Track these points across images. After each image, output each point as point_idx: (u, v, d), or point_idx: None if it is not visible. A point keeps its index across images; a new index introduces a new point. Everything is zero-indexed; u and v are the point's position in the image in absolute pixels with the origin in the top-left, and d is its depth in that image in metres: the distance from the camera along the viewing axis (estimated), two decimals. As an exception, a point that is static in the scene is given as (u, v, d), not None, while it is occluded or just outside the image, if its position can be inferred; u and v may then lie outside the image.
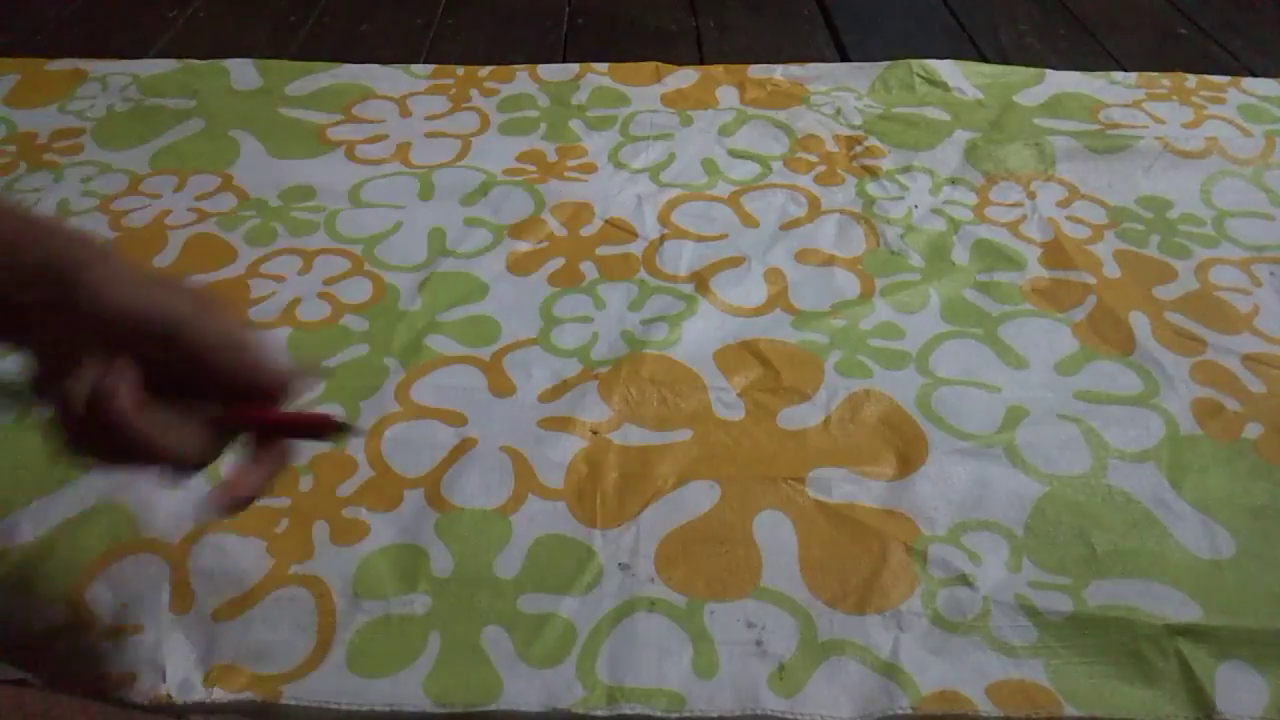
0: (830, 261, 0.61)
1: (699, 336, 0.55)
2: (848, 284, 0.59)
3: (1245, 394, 0.52)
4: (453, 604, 0.41)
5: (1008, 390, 0.52)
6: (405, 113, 0.77)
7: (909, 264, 0.61)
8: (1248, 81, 0.82)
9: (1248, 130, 0.75)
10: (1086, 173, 0.70)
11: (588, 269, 0.60)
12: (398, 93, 0.79)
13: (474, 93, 0.79)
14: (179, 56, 0.84)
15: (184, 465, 0.32)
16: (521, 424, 0.49)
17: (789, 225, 0.65)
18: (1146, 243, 0.63)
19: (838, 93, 0.80)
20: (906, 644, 0.40)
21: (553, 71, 0.83)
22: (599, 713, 0.38)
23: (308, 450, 0.48)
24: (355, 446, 0.48)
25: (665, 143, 0.73)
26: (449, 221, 0.64)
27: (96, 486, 0.45)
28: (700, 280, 0.59)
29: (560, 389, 0.52)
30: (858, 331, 0.56)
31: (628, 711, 0.38)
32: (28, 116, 0.75)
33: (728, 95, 0.80)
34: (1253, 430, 0.50)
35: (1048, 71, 0.83)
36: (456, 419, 0.50)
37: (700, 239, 0.63)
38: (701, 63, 0.86)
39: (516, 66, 0.83)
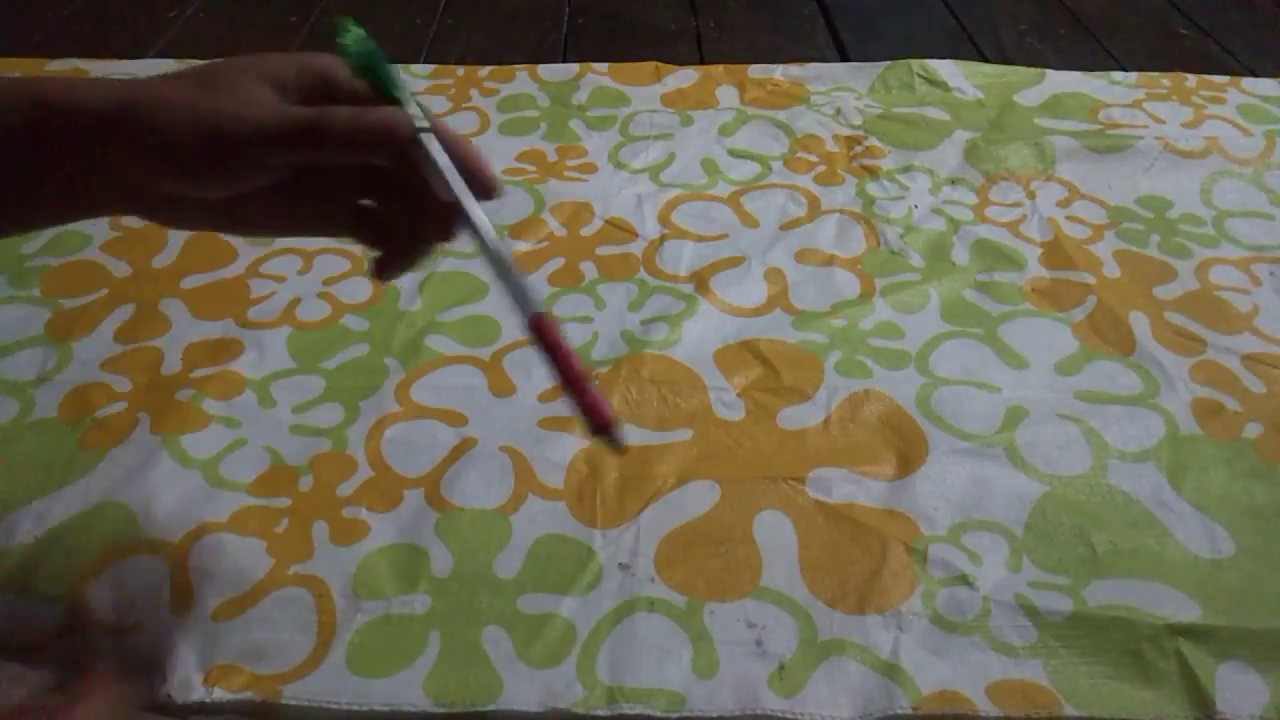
0: (830, 261, 0.61)
1: (699, 336, 0.55)
2: (848, 284, 0.59)
3: (1245, 394, 0.52)
4: (453, 604, 0.41)
5: (1008, 390, 0.52)
6: (405, 113, 0.77)
7: (909, 264, 0.61)
8: (1248, 81, 0.82)
9: (1248, 130, 0.75)
10: (1086, 173, 0.70)
11: (588, 269, 0.60)
12: (398, 93, 0.79)
13: (474, 93, 0.79)
14: (178, 57, 0.84)
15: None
16: (521, 424, 0.49)
17: (789, 225, 0.65)
18: (1146, 242, 0.63)
19: (838, 93, 0.80)
20: (906, 644, 0.40)
21: (553, 71, 0.83)
22: (599, 713, 0.38)
23: (307, 450, 0.48)
24: (355, 447, 0.48)
25: (665, 143, 0.73)
26: (449, 221, 0.64)
27: (96, 486, 0.46)
28: (700, 280, 0.59)
29: (561, 389, 0.52)
30: (858, 331, 0.56)
31: (628, 711, 0.38)
32: (28, 116, 0.75)
33: (728, 95, 0.80)
34: (1253, 430, 0.50)
35: (1048, 71, 0.83)
36: (456, 419, 0.50)
37: (700, 239, 0.63)
38: (701, 63, 0.86)
39: (516, 66, 0.83)
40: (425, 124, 0.32)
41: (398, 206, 0.36)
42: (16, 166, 0.31)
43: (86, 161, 0.31)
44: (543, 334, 0.32)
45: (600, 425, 0.31)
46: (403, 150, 0.32)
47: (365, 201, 0.36)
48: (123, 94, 0.30)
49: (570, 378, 0.32)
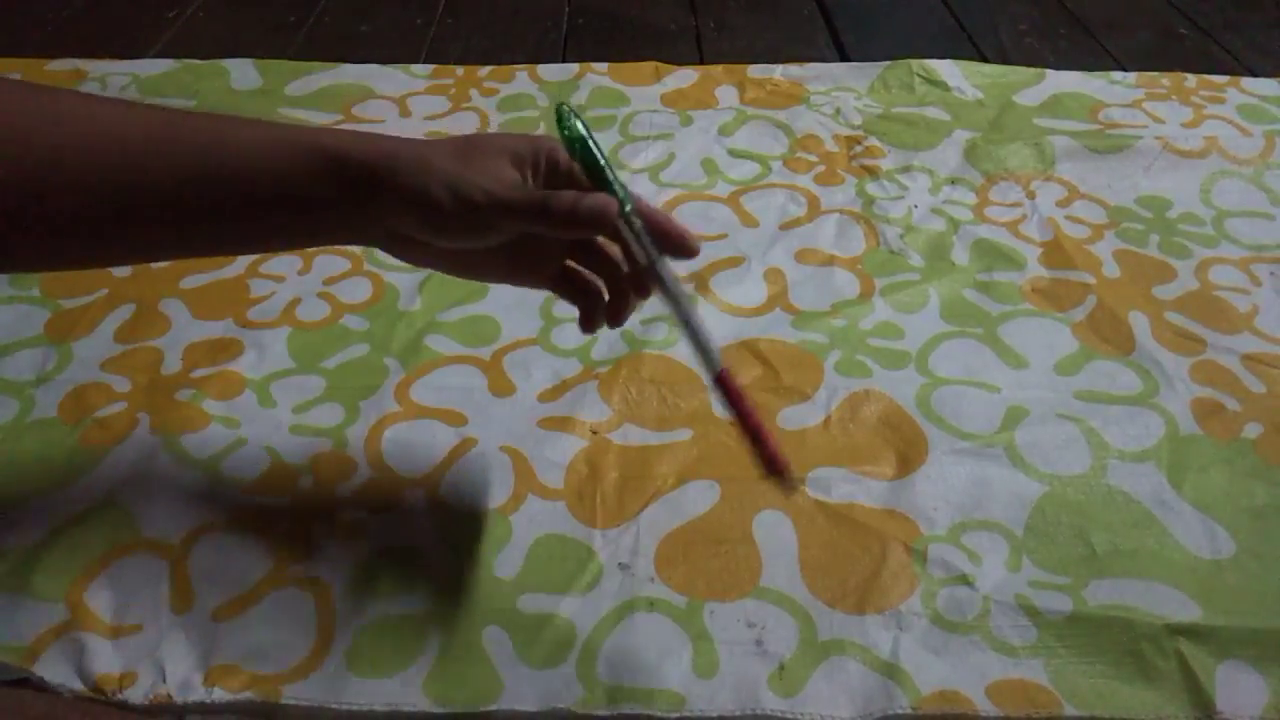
0: (830, 261, 0.61)
1: (699, 336, 0.55)
2: (847, 284, 0.59)
3: (1245, 394, 0.52)
4: (453, 604, 0.41)
5: (1008, 390, 0.52)
6: (405, 113, 0.77)
7: (909, 264, 0.61)
8: (1248, 81, 0.82)
9: (1247, 130, 0.75)
10: (1086, 172, 0.70)
11: (588, 269, 0.60)
12: (398, 93, 0.79)
13: (474, 93, 0.79)
14: (179, 56, 0.84)
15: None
16: (521, 424, 0.49)
17: (789, 225, 0.65)
18: (1146, 242, 0.63)
19: (837, 93, 0.80)
20: (906, 644, 0.40)
21: (552, 71, 0.83)
22: (599, 713, 0.38)
23: (307, 450, 0.48)
24: (355, 447, 0.48)
25: (665, 143, 0.73)
26: (449, 221, 0.64)
27: (96, 486, 0.46)
28: (700, 280, 0.59)
29: (560, 389, 0.52)
30: (858, 331, 0.56)
31: (628, 711, 0.38)
32: (27, 116, 0.75)
33: (727, 95, 0.80)
34: (1253, 430, 0.50)
35: (1048, 71, 0.83)
36: (456, 419, 0.50)
37: (700, 239, 0.63)
38: (701, 63, 0.86)
39: (516, 66, 0.83)
40: (628, 200, 0.38)
41: (598, 269, 0.41)
42: (303, 209, 0.37)
43: (361, 206, 0.37)
44: (727, 389, 0.38)
45: (774, 470, 0.37)
46: (610, 229, 0.38)
47: (570, 263, 0.42)
48: (395, 151, 0.36)
49: (750, 427, 0.37)
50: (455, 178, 0.36)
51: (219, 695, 0.38)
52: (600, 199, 0.37)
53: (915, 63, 0.83)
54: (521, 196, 0.36)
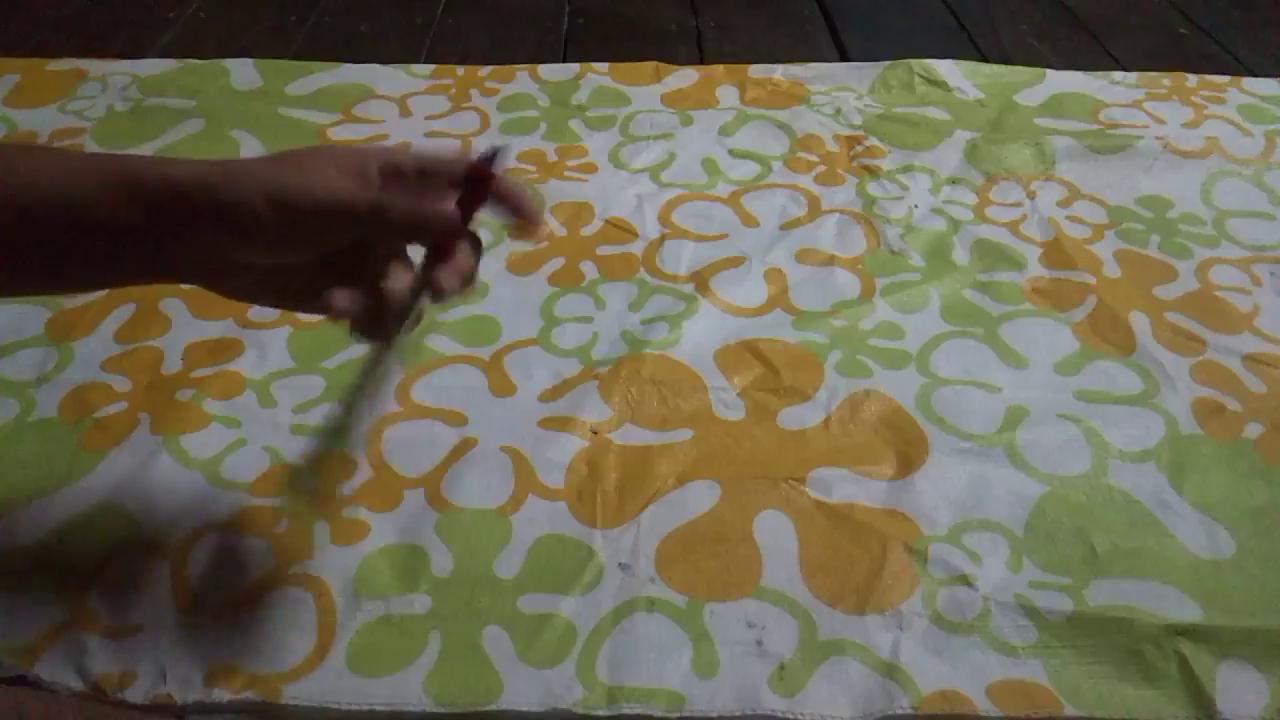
0: (830, 261, 0.61)
1: (699, 336, 0.55)
2: (848, 284, 0.59)
3: (1245, 394, 0.52)
4: (453, 604, 0.41)
5: (1008, 390, 0.52)
6: (405, 113, 0.77)
7: (909, 264, 0.61)
8: (1248, 81, 0.82)
9: (1248, 130, 0.75)
10: (1086, 172, 0.70)
11: (588, 269, 0.60)
12: (398, 93, 0.79)
13: (474, 93, 0.79)
14: (179, 56, 0.84)
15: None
16: (521, 424, 0.49)
17: (789, 225, 0.65)
18: (1147, 243, 0.63)
19: (838, 93, 0.80)
20: (906, 644, 0.40)
21: (553, 71, 0.83)
22: (599, 713, 0.38)
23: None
24: (355, 447, 0.48)
25: (665, 143, 0.73)
26: (449, 221, 0.64)
27: (96, 486, 0.46)
28: (700, 280, 0.59)
29: (560, 389, 0.52)
30: (858, 331, 0.56)
31: (628, 711, 0.38)
32: (28, 116, 0.75)
33: (728, 95, 0.80)
34: (1253, 430, 0.50)
35: (1048, 71, 0.83)
36: (456, 419, 0.50)
37: (700, 239, 0.63)
38: (701, 63, 0.86)
39: (516, 66, 0.83)
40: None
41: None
42: (105, 239, 0.34)
43: (170, 231, 0.34)
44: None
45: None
46: (457, 234, 0.36)
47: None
48: (207, 170, 0.34)
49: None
50: (278, 185, 0.33)
51: (219, 695, 0.38)
52: (439, 210, 0.35)
53: (916, 63, 0.83)
54: (347, 196, 0.34)
